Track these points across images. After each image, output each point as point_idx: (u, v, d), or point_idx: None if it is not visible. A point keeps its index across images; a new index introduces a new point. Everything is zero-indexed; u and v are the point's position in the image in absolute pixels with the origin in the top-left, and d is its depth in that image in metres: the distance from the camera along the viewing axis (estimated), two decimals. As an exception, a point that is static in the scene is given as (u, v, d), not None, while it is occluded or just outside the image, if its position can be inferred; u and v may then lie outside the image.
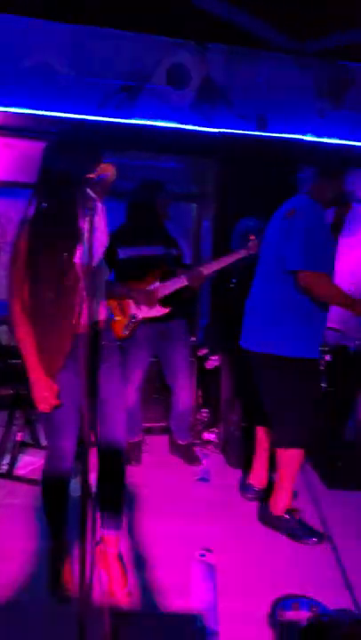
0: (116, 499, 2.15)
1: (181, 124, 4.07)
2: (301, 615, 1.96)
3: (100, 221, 1.66)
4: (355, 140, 4.28)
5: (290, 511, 2.59)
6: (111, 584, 2.08)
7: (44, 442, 3.09)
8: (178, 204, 4.51)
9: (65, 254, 1.71)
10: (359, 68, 4.17)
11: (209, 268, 3.08)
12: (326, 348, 3.83)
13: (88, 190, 1.40)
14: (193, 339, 3.95)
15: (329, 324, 3.75)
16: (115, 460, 2.11)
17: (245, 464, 3.21)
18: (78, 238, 1.66)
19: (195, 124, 4.09)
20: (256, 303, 2.61)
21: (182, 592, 2.11)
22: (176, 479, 3.12)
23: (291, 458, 2.54)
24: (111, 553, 2.14)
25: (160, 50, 3.97)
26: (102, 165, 1.60)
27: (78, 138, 1.90)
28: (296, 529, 2.54)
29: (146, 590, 2.13)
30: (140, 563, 2.29)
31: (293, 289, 2.39)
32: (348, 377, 3.75)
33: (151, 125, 4.03)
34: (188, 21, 3.73)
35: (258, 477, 2.89)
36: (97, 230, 1.44)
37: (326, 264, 2.39)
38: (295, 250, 2.32)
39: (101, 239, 1.74)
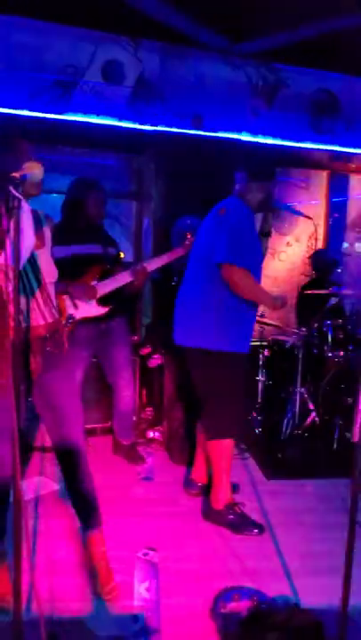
0: (87, 498, 2.18)
1: (117, 120, 4.04)
2: (242, 605, 2.00)
3: (26, 222, 1.62)
4: (287, 140, 4.39)
5: (230, 505, 2.64)
6: (100, 583, 2.08)
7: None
8: (118, 201, 4.48)
9: None
10: (290, 71, 4.28)
11: (152, 265, 3.08)
12: (265, 343, 3.92)
13: (12, 189, 1.36)
14: (135, 337, 3.95)
15: (269, 320, 3.86)
16: (78, 463, 2.15)
17: (189, 461, 3.25)
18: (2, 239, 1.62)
19: (130, 121, 4.07)
20: (185, 299, 2.68)
21: (125, 592, 2.11)
22: (120, 479, 3.11)
23: (221, 450, 2.62)
24: (98, 552, 2.15)
25: (94, 45, 3.92)
26: (28, 164, 1.56)
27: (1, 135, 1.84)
28: (237, 522, 2.59)
29: (89, 593, 2.11)
30: (84, 565, 2.27)
31: (220, 284, 2.47)
32: (284, 371, 3.86)
33: (86, 122, 3.97)
34: (122, 18, 3.70)
35: (200, 473, 2.92)
36: (22, 231, 1.41)
37: (250, 262, 2.47)
38: (222, 244, 2.42)
39: (27, 240, 1.69)
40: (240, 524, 2.59)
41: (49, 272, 2.04)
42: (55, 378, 2.06)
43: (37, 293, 1.95)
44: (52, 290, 2.07)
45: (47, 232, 2.07)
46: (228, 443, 2.62)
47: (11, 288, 1.42)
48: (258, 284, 2.54)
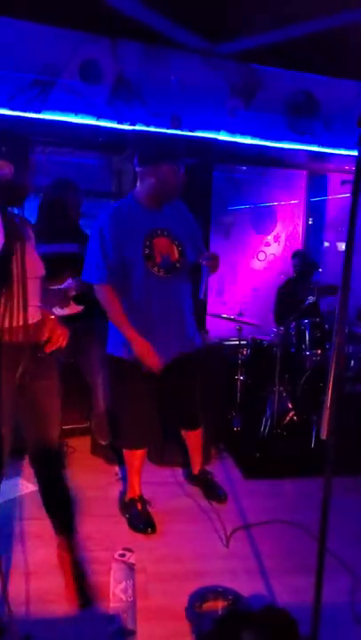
0: (62, 504, 2.19)
1: (95, 119, 4.02)
2: (217, 605, 2.01)
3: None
4: (266, 140, 4.41)
5: (133, 500, 2.68)
6: (67, 590, 2.09)
7: None
8: (97, 201, 4.46)
9: None
10: (268, 72, 4.30)
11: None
12: (243, 343, 3.94)
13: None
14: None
15: (247, 319, 3.87)
16: (54, 467, 2.17)
17: (167, 460, 3.25)
18: None
19: (109, 120, 4.05)
20: None
21: (101, 594, 2.10)
22: (98, 479, 3.09)
23: (125, 456, 2.71)
24: (66, 558, 2.16)
25: (72, 44, 3.89)
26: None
27: None
28: (135, 518, 2.63)
29: (65, 594, 2.09)
30: (60, 566, 2.25)
31: None
32: (263, 370, 3.88)
33: (65, 121, 3.94)
34: (101, 17, 3.68)
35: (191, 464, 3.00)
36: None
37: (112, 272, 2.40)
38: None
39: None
40: (137, 520, 2.61)
41: (34, 269, 2.01)
42: (43, 384, 2.03)
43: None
44: (36, 285, 2.03)
45: (29, 231, 2.04)
46: (127, 452, 2.68)
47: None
48: (115, 307, 2.42)
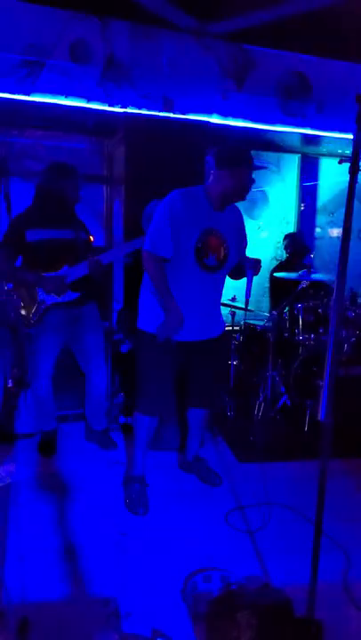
0: None
1: (86, 101, 3.95)
2: (213, 587, 2.02)
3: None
4: (258, 122, 4.36)
5: (133, 478, 2.76)
6: None
7: None
8: (88, 185, 4.41)
9: None
10: (259, 52, 4.24)
11: (107, 258, 3.04)
12: (237, 328, 3.94)
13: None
14: (107, 323, 3.92)
15: (239, 304, 3.86)
16: None
17: (161, 445, 3.26)
18: None
19: (99, 103, 3.99)
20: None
21: (97, 577, 2.11)
22: (92, 465, 3.10)
23: (136, 422, 2.78)
24: None
25: (61, 24, 3.81)
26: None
27: None
28: (130, 497, 2.70)
29: (61, 577, 2.11)
30: (57, 550, 2.26)
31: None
32: (256, 355, 3.89)
33: (54, 103, 3.87)
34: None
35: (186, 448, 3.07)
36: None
37: (168, 251, 2.51)
38: (148, 232, 2.57)
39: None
40: (129, 498, 2.69)
41: None
42: None
43: None
44: None
45: None
46: (140, 417, 2.75)
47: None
48: (161, 276, 2.53)
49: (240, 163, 2.49)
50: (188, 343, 2.65)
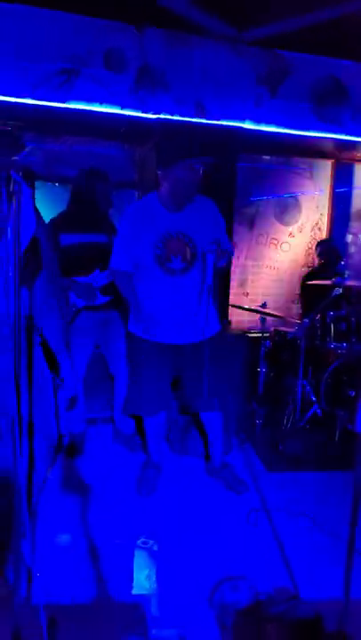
0: None
1: (120, 108, 3.99)
2: (241, 596, 2.00)
3: (26, 206, 1.60)
4: (291, 128, 4.33)
5: (145, 463, 2.99)
6: None
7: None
8: (120, 191, 4.45)
9: None
10: (295, 58, 4.21)
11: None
12: (266, 334, 3.90)
13: (12, 173, 1.34)
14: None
15: (270, 311, 3.83)
16: None
17: (189, 449, 3.25)
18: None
19: (133, 109, 4.02)
20: None
21: (125, 580, 2.11)
22: (119, 468, 3.10)
23: (144, 423, 2.93)
24: None
25: (96, 33, 3.86)
26: (28, 149, 1.54)
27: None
28: (140, 478, 2.91)
29: (89, 580, 2.11)
30: (84, 553, 2.27)
31: None
32: (286, 363, 3.84)
33: (89, 110, 3.92)
34: (125, 5, 3.65)
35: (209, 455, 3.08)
36: (23, 215, 1.39)
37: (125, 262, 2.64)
38: None
39: (27, 223, 1.67)
40: (141, 480, 2.89)
41: None
42: None
43: None
44: None
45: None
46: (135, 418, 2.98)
47: (12, 273, 1.40)
48: (125, 287, 2.68)
49: (174, 159, 2.51)
50: (174, 347, 2.67)
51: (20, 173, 1.35)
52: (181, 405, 3.26)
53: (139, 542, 2.37)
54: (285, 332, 3.93)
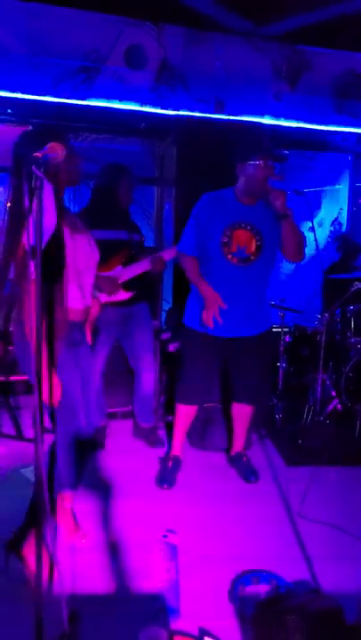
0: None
1: (139, 105, 4.01)
2: (261, 589, 2.01)
3: (48, 202, 1.63)
4: (311, 123, 4.30)
5: (168, 457, 3.00)
6: (67, 534, 2.26)
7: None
8: (140, 187, 4.47)
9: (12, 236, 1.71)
10: (314, 52, 4.18)
11: (169, 254, 3.08)
12: (286, 329, 3.89)
13: (34, 169, 1.36)
14: (155, 322, 3.95)
15: (289, 305, 3.82)
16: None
17: (209, 444, 3.27)
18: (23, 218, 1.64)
19: (153, 106, 4.04)
20: None
21: (145, 573, 2.13)
22: (139, 462, 3.13)
23: (175, 410, 2.97)
24: (67, 508, 2.27)
25: (117, 30, 3.89)
26: (50, 144, 1.56)
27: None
28: (160, 471, 2.94)
29: (110, 572, 2.14)
30: (104, 545, 2.30)
31: None
32: (306, 358, 3.82)
33: (109, 107, 3.95)
34: (145, 2, 3.66)
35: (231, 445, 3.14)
36: (44, 211, 1.41)
37: (196, 249, 2.72)
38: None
39: (48, 220, 1.70)
40: (159, 472, 2.93)
41: (84, 258, 2.07)
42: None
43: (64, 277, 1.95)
44: (86, 276, 2.10)
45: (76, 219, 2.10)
46: (177, 405, 2.94)
47: (33, 268, 1.42)
48: (193, 267, 2.73)
49: (247, 156, 2.54)
50: (227, 340, 2.72)
51: (42, 169, 1.38)
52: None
53: (159, 535, 2.39)
54: (305, 327, 3.91)
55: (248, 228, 2.60)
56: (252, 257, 2.62)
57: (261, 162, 2.51)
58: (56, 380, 1.96)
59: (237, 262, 2.61)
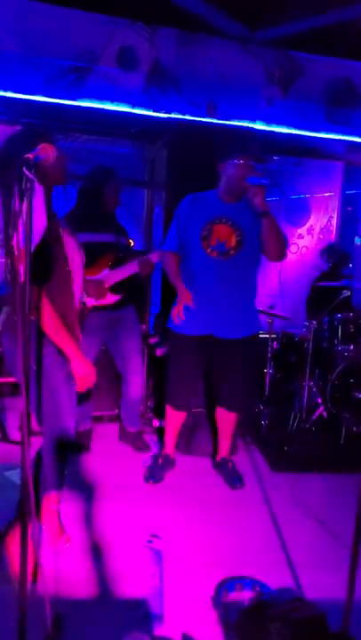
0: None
1: (131, 107, 4.00)
2: (244, 595, 2.00)
3: (38, 204, 1.61)
4: (302, 130, 4.32)
5: (159, 455, 3.05)
6: (51, 538, 2.24)
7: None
8: (129, 189, 4.46)
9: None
10: (307, 59, 4.21)
11: (157, 256, 3.07)
12: (273, 336, 3.91)
13: (25, 170, 1.35)
14: (143, 326, 3.94)
15: (278, 312, 3.83)
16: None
17: (193, 449, 3.26)
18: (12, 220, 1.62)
19: (144, 108, 4.03)
20: None
21: (129, 578, 2.12)
22: (125, 466, 3.11)
23: (167, 415, 3.02)
24: (53, 509, 2.24)
25: (109, 31, 3.87)
26: (42, 145, 1.54)
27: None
28: (148, 467, 2.99)
29: (94, 577, 2.12)
30: (88, 550, 2.28)
31: None
32: (293, 364, 3.84)
33: (100, 108, 3.93)
34: (138, 3, 3.65)
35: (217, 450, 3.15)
36: (34, 212, 1.40)
37: (175, 246, 2.80)
38: None
39: (38, 222, 1.69)
40: (150, 469, 2.97)
41: (73, 260, 2.10)
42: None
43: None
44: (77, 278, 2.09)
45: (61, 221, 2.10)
46: (166, 409, 2.99)
47: (22, 270, 1.41)
48: (171, 266, 2.81)
49: (228, 156, 2.62)
50: (213, 341, 2.74)
51: (33, 171, 1.36)
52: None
53: (143, 540, 2.38)
54: (293, 334, 3.93)
55: (229, 223, 2.64)
56: (231, 251, 2.65)
57: (241, 161, 2.56)
58: (89, 367, 2.06)
59: (217, 255, 2.65)
